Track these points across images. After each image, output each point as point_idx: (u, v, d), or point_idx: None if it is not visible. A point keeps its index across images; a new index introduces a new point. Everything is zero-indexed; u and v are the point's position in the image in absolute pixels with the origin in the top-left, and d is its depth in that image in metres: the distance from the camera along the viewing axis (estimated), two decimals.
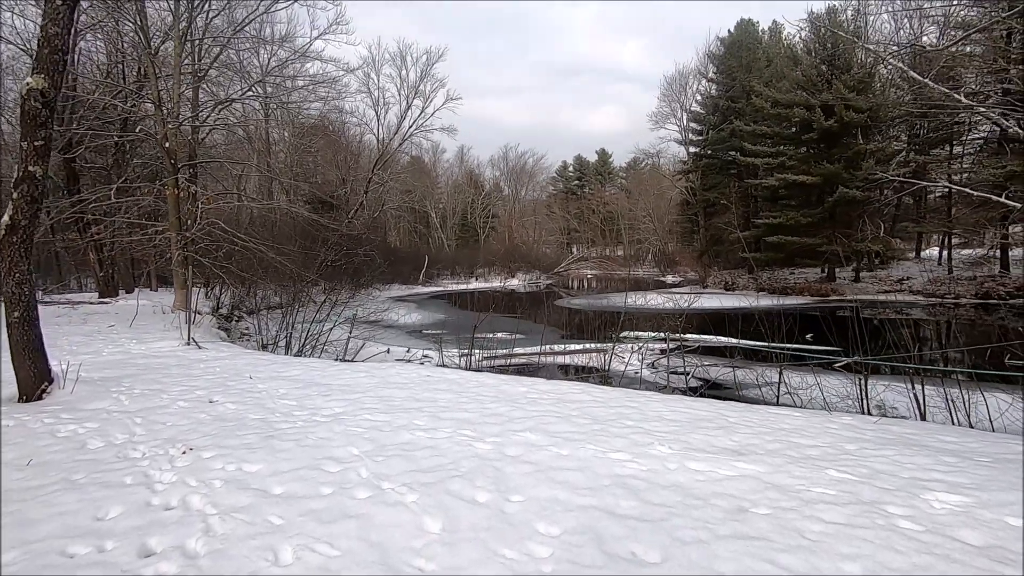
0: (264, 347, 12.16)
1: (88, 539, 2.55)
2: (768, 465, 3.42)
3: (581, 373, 11.87)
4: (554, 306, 25.75)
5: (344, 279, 17.16)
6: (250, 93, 19.58)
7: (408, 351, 13.58)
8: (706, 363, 11.12)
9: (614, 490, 3.02)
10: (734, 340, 11.52)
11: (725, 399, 6.56)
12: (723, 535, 2.50)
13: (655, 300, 19.06)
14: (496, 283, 43.30)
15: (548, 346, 12.17)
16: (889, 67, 26.08)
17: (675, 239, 53.09)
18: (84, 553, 2.44)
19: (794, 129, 29.66)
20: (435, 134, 38.38)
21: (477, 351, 11.13)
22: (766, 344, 8.79)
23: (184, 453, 3.69)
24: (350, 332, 11.38)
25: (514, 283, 43.49)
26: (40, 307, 13.68)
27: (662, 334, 14.80)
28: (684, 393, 9.16)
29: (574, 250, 65.04)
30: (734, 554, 2.34)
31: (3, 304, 5.37)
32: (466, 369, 10.34)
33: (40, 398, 5.37)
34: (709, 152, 37.97)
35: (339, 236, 21.07)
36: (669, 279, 43.27)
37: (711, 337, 14.02)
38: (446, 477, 3.21)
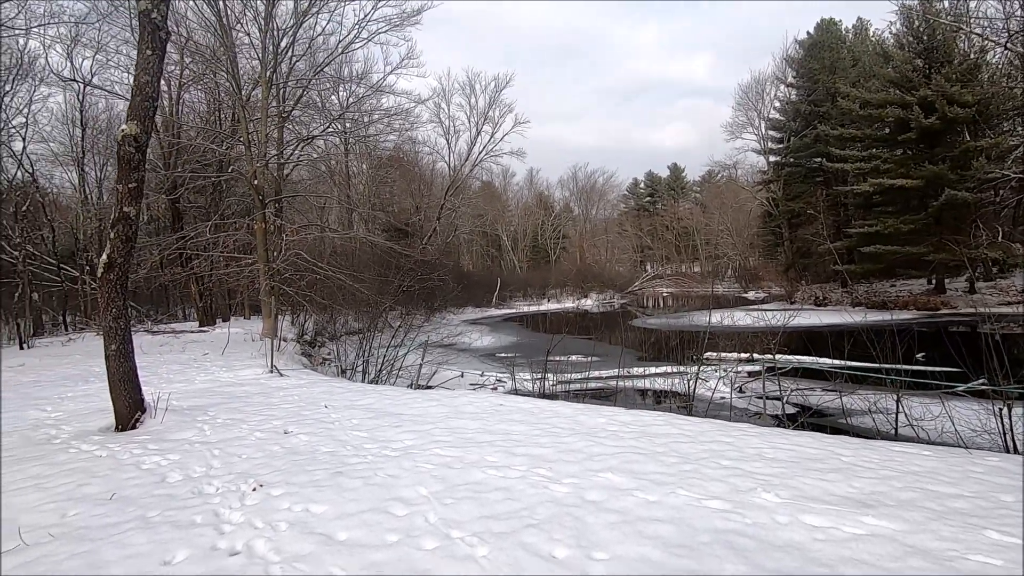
0: (343, 372, 12.44)
1: None
2: (905, 522, 2.84)
3: (662, 399, 11.21)
4: (629, 326, 24.90)
5: (419, 304, 17.46)
6: (330, 129, 20.63)
7: (481, 375, 13.44)
8: (803, 387, 10.14)
9: (716, 549, 2.58)
10: (836, 361, 10.43)
11: (831, 431, 5.82)
12: None
13: (740, 318, 17.92)
14: (569, 304, 42.78)
15: (625, 369, 11.60)
16: (999, 54, 23.58)
17: (756, 253, 50.34)
18: None
19: (888, 130, 27.34)
20: (504, 158, 39.01)
21: (551, 375, 10.79)
22: (875, 366, 7.84)
23: (254, 490, 3.62)
24: (423, 357, 11.38)
25: (587, 303, 42.77)
26: (148, 336, 14.78)
27: (751, 355, 13.80)
28: (780, 422, 8.35)
29: (648, 268, 63.38)
30: None
31: (103, 337, 5.70)
32: (540, 395, 10.01)
33: (134, 427, 5.61)
34: (791, 160, 35.79)
35: (414, 262, 21.58)
36: (751, 295, 40.95)
37: (808, 358, 12.85)
38: (520, 527, 2.90)
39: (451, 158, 38.25)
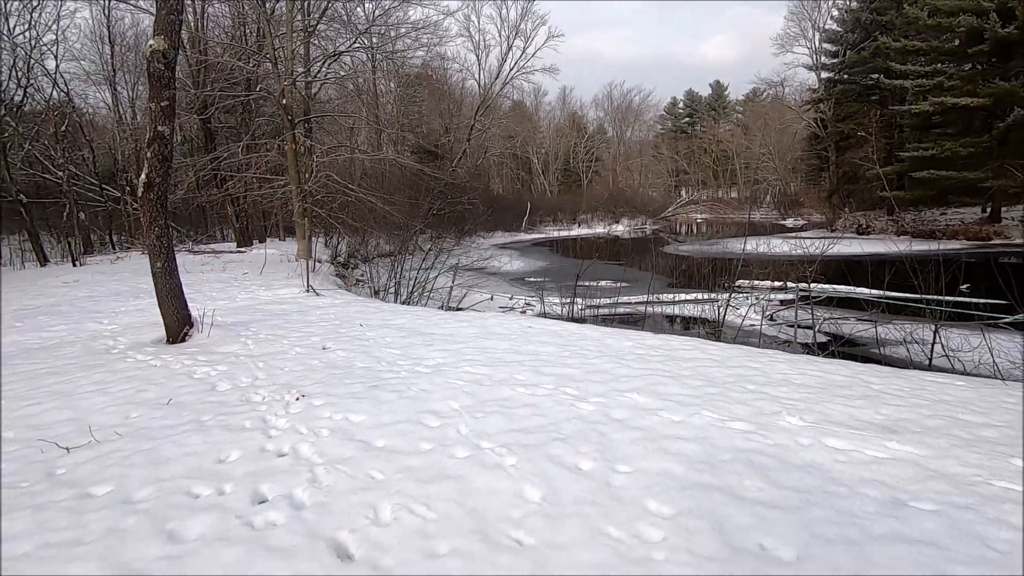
0: (375, 294, 12.78)
1: (210, 481, 2.69)
2: (930, 448, 2.86)
3: (690, 325, 11.22)
4: (661, 252, 24.58)
5: (449, 227, 17.50)
6: (356, 44, 19.93)
7: (511, 299, 13.63)
8: (836, 316, 9.98)
9: (736, 467, 2.67)
10: (873, 291, 10.16)
11: (862, 360, 5.77)
12: (878, 535, 2.08)
13: (776, 245, 17.45)
14: (599, 229, 42.22)
15: (655, 295, 11.57)
16: None
17: (798, 178, 48.12)
18: (206, 495, 2.57)
19: (957, 42, 24.89)
20: (536, 76, 37.12)
21: (580, 300, 10.86)
22: (915, 296, 7.62)
23: (297, 400, 3.85)
24: (453, 280, 11.55)
25: (618, 229, 42.14)
26: (190, 256, 15.25)
27: (785, 283, 13.53)
28: (810, 350, 8.30)
29: (683, 193, 61.41)
30: (895, 562, 1.93)
31: (148, 255, 5.93)
32: (569, 319, 10.13)
33: (183, 340, 5.95)
34: (845, 76, 33.18)
35: (443, 185, 21.39)
36: (790, 222, 39.60)
37: (844, 287, 12.54)
38: (547, 440, 3.03)
39: (481, 76, 36.82)
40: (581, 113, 63.73)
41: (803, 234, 28.27)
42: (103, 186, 22.49)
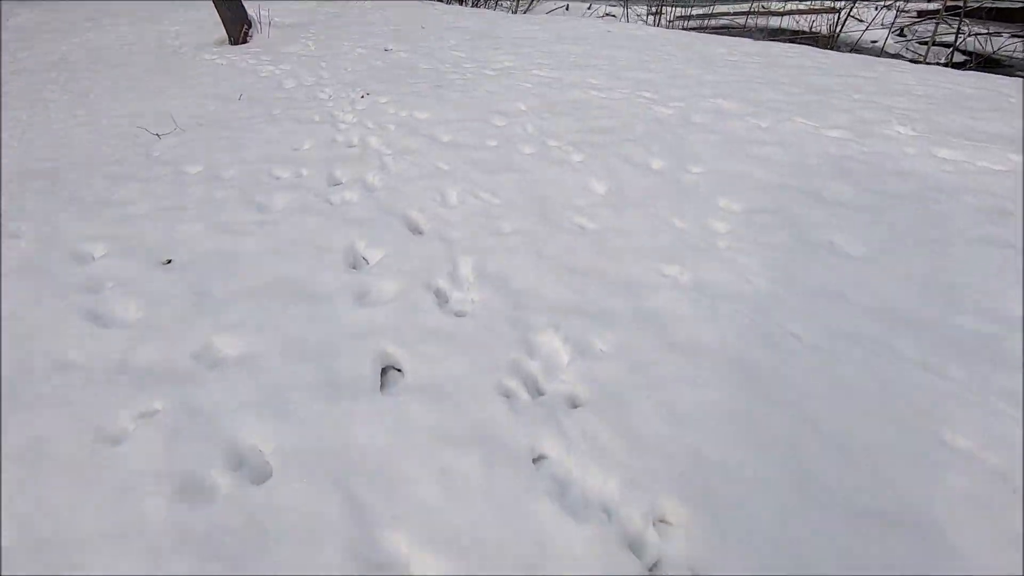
0: None
1: (288, 165, 2.82)
2: None
3: (801, 39, 9.64)
4: None
5: None
6: None
7: (589, 6, 11.93)
8: (986, 31, 8.19)
9: (823, 171, 2.47)
10: None
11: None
12: (972, 238, 1.95)
13: None
14: None
15: (760, 4, 9.77)
16: None
17: None
18: (286, 176, 2.72)
19: None
20: None
21: (669, 8, 9.37)
22: None
23: (362, 97, 3.76)
24: None
25: None
26: None
27: None
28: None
29: None
30: (983, 265, 1.83)
31: None
32: (655, 26, 8.90)
33: (245, 41, 5.73)
34: None
35: None
36: None
37: None
38: (617, 140, 2.88)
39: None
40: None
41: None
42: None
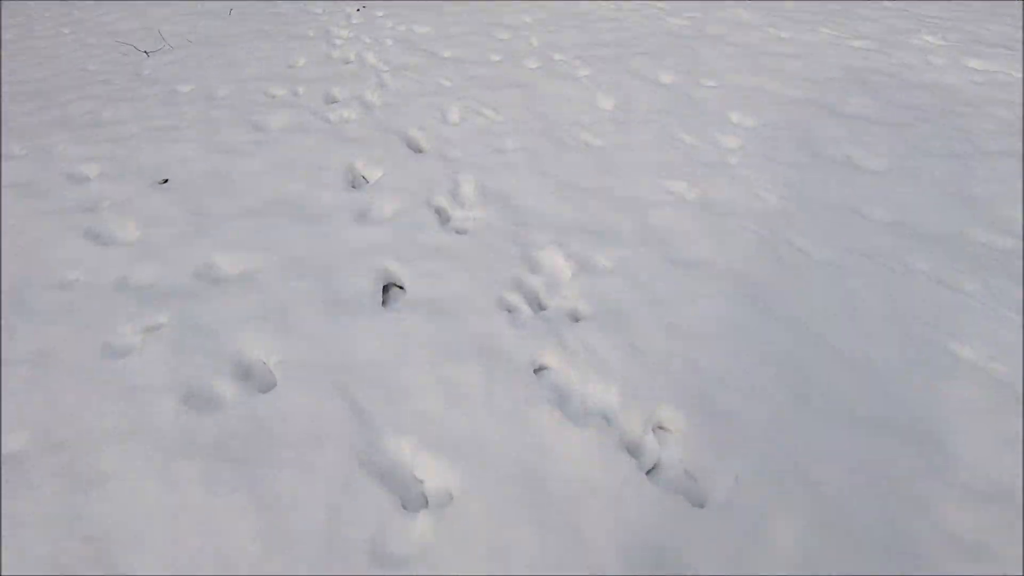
0: None
1: (283, 83, 2.71)
2: None
3: None
4: None
5: None
6: None
7: None
8: None
9: (843, 84, 2.34)
10: None
11: None
12: (993, 151, 1.86)
13: None
14: None
15: None
16: None
17: None
18: (281, 94, 2.62)
19: None
20: None
21: None
22: None
23: (358, 11, 3.56)
24: None
25: None
26: None
27: None
28: None
29: None
30: (1004, 179, 1.76)
31: None
32: None
33: None
34: None
35: None
36: None
37: None
38: (627, 54, 2.72)
39: None
40: None
41: None
42: None
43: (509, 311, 1.45)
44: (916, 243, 1.53)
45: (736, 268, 1.51)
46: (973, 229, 1.57)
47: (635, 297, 1.44)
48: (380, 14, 3.47)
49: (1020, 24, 2.87)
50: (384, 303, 1.53)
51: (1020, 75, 2.32)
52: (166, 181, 2.03)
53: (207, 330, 1.43)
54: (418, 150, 2.16)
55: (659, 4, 3.34)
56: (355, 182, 1.99)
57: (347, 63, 2.89)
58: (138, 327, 1.46)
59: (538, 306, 1.48)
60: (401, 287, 1.58)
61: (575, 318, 1.42)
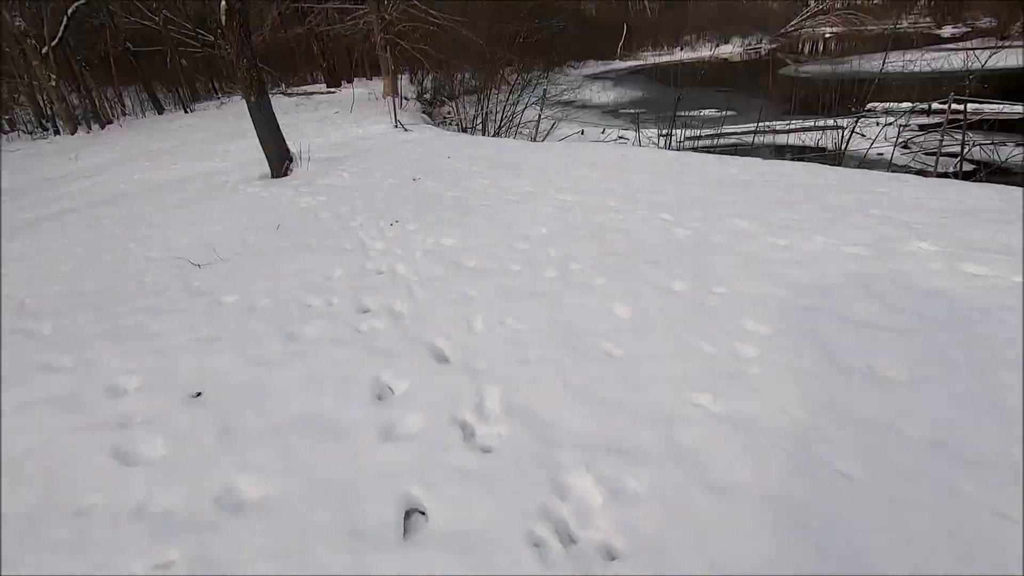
0: (463, 129, 12.51)
1: (320, 294, 2.93)
2: None
3: (807, 155, 10.10)
4: (777, 76, 21.55)
5: (536, 56, 16.22)
6: None
7: (603, 131, 12.83)
8: (991, 142, 8.49)
9: (848, 291, 2.46)
10: None
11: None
12: (1013, 360, 1.87)
13: (924, 60, 14.65)
14: (705, 52, 37.37)
15: (765, 124, 10.38)
16: None
17: None
18: (317, 305, 2.81)
19: None
20: None
21: (679, 131, 10.00)
22: None
23: (392, 225, 3.98)
24: (540, 111, 10.94)
25: (727, 50, 37.05)
26: (284, 98, 15.47)
27: (929, 104, 11.57)
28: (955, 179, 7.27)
29: (810, 2, 51.63)
30: None
31: (242, 90, 6.02)
32: (666, 149, 9.45)
33: (285, 174, 6.24)
34: None
35: (529, 7, 19.42)
36: (947, 31, 32.71)
37: (1007, 105, 10.48)
38: (638, 263, 2.94)
39: None
40: None
41: (963, 44, 23.41)
42: (197, 30, 22.70)
43: (537, 546, 1.36)
44: (961, 465, 1.46)
45: (775, 492, 1.44)
46: (1015, 446, 1.51)
47: (673, 530, 1.35)
48: (411, 228, 3.87)
49: (1006, 228, 3.09)
50: (406, 532, 1.46)
51: (1019, 280, 2.43)
52: (199, 395, 2.10)
53: (219, 567, 1.36)
54: (444, 360, 2.23)
55: (664, 215, 3.70)
56: (382, 394, 2.03)
57: (380, 274, 3.15)
58: (148, 563, 1.39)
59: (569, 539, 1.39)
60: (423, 512, 1.52)
61: (610, 555, 1.33)
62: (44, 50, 13.54)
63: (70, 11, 14.76)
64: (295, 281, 3.13)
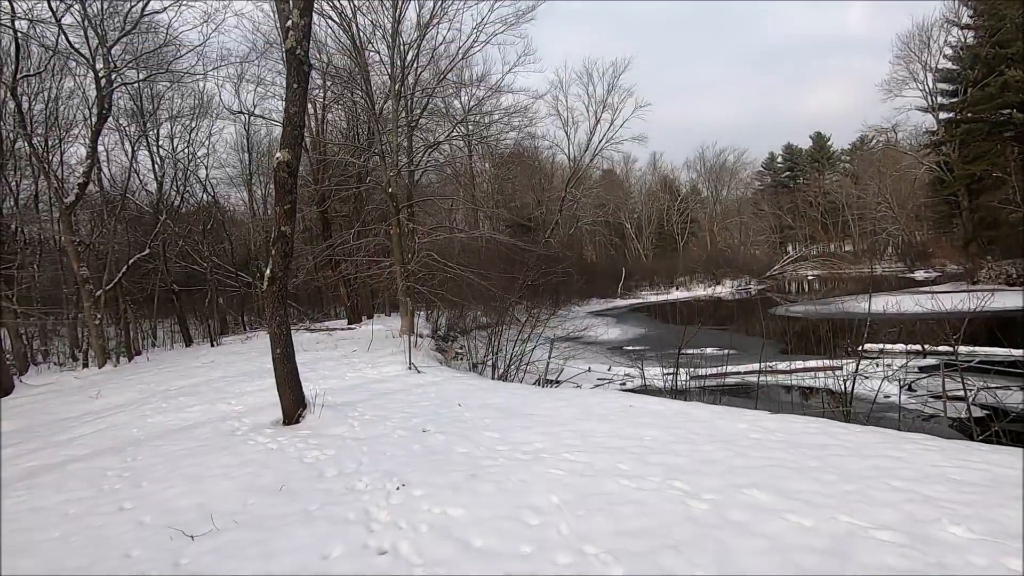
0: (474, 367, 12.97)
1: None
2: None
3: (810, 397, 10.18)
4: (769, 315, 22.96)
5: (543, 298, 17.67)
6: (454, 133, 21.55)
7: (608, 369, 13.23)
8: (994, 386, 8.60)
9: None
10: None
11: None
12: None
13: (909, 303, 15.75)
14: (699, 292, 40.59)
15: (767, 364, 10.70)
16: None
17: (924, 227, 43.90)
18: None
19: None
20: (625, 145, 38.00)
21: (683, 371, 10.30)
22: None
23: (398, 489, 3.87)
24: (549, 353, 11.46)
25: (720, 291, 40.26)
26: (307, 334, 16.49)
27: (923, 347, 12.06)
28: (964, 428, 7.18)
29: (789, 249, 57.90)
30: None
31: (270, 341, 6.47)
32: (672, 392, 9.61)
33: (297, 421, 6.30)
34: (970, 115, 30.39)
35: (537, 257, 21.84)
36: (919, 275, 35.78)
37: (1001, 350, 10.90)
38: (657, 546, 2.76)
39: (570, 149, 38.04)
40: (673, 176, 63.26)
41: (939, 288, 25.41)
42: (239, 273, 25.40)
43: None
44: None
45: None
46: None
47: None
48: (418, 493, 3.76)
49: None
50: None
51: None
52: None
53: None
54: None
55: (678, 484, 3.59)
56: None
57: (381, 553, 2.96)
58: None
59: None
60: None
61: None
62: (99, 293, 15.01)
63: (131, 260, 16.80)
64: (291, 560, 2.93)
